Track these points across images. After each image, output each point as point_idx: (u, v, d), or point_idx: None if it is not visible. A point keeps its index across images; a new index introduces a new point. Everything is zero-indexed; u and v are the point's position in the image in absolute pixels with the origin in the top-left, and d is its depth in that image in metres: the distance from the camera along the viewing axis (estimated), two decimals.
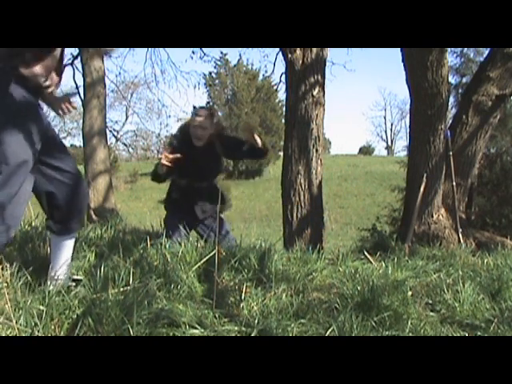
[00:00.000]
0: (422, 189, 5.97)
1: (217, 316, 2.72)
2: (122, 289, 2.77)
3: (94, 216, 10.52)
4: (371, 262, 4.00)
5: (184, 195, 4.72)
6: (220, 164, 4.91)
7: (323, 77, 6.33)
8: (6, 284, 2.65)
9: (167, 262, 3.29)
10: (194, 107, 4.79)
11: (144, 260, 3.31)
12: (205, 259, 3.47)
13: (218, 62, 35.97)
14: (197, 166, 4.60)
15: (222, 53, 31.18)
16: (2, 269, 2.75)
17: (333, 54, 35.42)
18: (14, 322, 2.28)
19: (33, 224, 3.95)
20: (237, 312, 2.84)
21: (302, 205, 6.13)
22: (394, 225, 11.13)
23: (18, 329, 2.28)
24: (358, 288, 3.11)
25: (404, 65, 6.00)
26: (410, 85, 6.06)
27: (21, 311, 2.40)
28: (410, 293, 3.22)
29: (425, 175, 5.98)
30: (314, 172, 6.18)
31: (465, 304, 3.26)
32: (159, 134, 28.74)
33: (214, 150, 4.71)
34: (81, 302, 2.63)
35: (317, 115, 6.21)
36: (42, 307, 2.46)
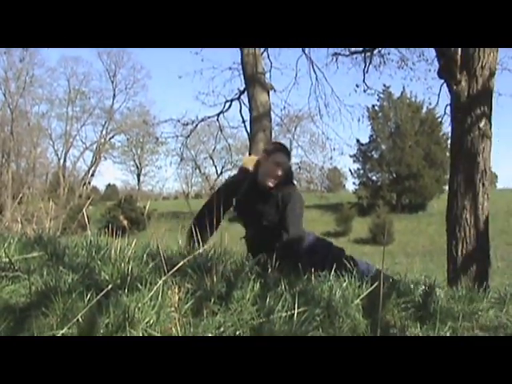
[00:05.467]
0: None
1: None
2: (285, 319, 2.87)
3: None
4: None
5: None
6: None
7: (490, 108, 6.14)
8: (174, 308, 2.86)
9: (330, 295, 3.34)
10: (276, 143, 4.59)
11: (307, 292, 3.38)
12: (366, 292, 3.48)
13: (381, 95, 35.61)
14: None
15: (384, 85, 30.88)
16: (172, 294, 2.97)
17: (499, 84, 33.81)
18: None
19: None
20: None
21: (468, 241, 5.94)
22: None
23: None
24: None
25: None
26: None
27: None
28: None
29: None
30: (480, 207, 5.98)
31: None
32: (323, 167, 28.79)
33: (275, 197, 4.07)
34: (246, 329, 2.76)
35: (483, 148, 6.03)
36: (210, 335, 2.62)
